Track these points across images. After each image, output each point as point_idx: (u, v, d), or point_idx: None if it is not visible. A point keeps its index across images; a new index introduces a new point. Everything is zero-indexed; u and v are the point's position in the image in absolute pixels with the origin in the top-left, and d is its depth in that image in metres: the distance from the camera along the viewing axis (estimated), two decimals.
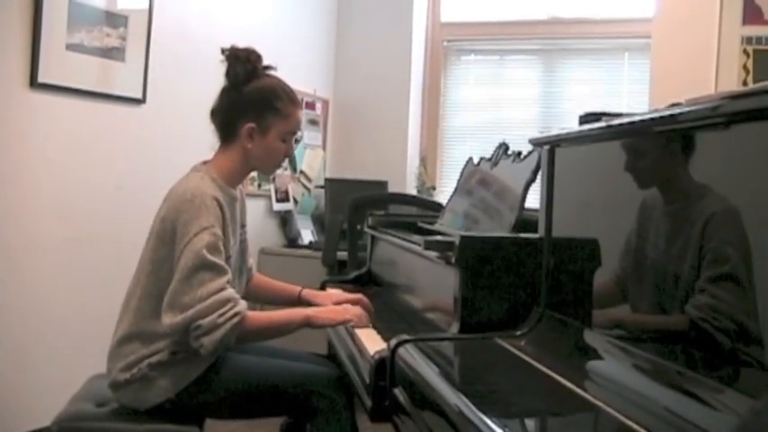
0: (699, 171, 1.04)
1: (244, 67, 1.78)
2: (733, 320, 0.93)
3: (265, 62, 1.84)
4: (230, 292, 1.65)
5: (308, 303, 2.01)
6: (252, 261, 2.08)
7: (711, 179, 1.00)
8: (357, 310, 1.85)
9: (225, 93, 1.82)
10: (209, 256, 1.62)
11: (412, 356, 1.38)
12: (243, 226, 1.95)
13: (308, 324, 1.78)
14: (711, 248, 0.97)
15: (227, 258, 1.71)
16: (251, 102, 1.78)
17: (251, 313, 1.71)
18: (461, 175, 2.22)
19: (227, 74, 1.80)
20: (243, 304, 1.67)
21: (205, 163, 1.83)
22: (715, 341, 0.96)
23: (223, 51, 1.81)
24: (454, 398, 1.12)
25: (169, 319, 1.61)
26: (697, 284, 0.99)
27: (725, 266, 0.95)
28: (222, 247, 1.68)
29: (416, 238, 1.88)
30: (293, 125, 1.83)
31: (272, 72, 1.86)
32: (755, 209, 0.91)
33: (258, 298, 2.13)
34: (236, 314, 1.62)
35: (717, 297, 0.96)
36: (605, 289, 1.28)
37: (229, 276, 1.67)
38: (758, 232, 0.89)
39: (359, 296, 2.01)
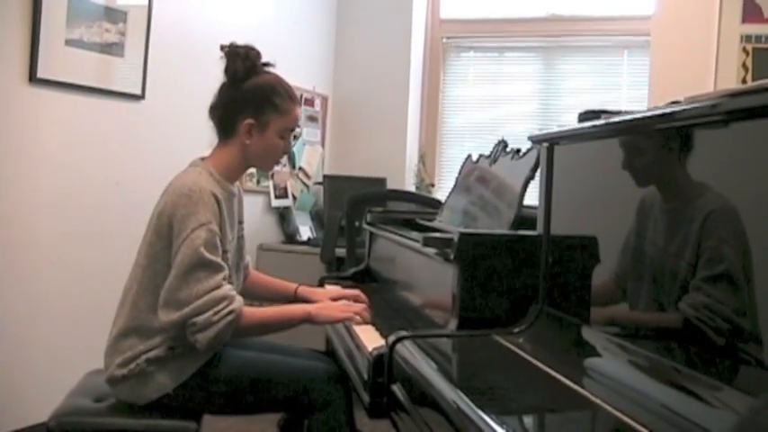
0: (698, 169, 1.04)
1: (243, 63, 1.79)
2: (730, 318, 0.93)
3: (264, 59, 1.85)
4: (225, 289, 1.65)
5: (304, 301, 2.01)
6: (249, 258, 2.08)
7: (710, 177, 1.00)
8: (358, 307, 1.84)
9: (224, 89, 1.83)
10: (207, 254, 1.63)
11: (410, 353, 1.38)
12: (240, 222, 1.95)
13: (308, 320, 1.79)
14: (709, 247, 0.97)
15: (225, 254, 1.72)
16: (250, 98, 1.79)
17: (250, 309, 1.71)
18: (460, 173, 2.21)
19: (227, 70, 1.81)
20: (238, 302, 1.67)
21: (204, 159, 1.83)
22: (712, 339, 0.96)
23: (222, 48, 1.82)
24: (452, 394, 1.12)
25: (165, 316, 1.64)
26: (693, 282, 0.99)
27: (722, 265, 0.95)
28: (219, 244, 1.69)
29: (415, 234, 1.88)
30: (291, 122, 1.84)
31: (270, 69, 1.86)
32: (754, 207, 0.90)
33: (254, 295, 2.12)
34: (230, 312, 1.64)
35: (713, 296, 0.96)
36: (603, 286, 1.29)
37: (225, 273, 1.68)
38: (756, 231, 0.89)
39: (356, 292, 2.00)
